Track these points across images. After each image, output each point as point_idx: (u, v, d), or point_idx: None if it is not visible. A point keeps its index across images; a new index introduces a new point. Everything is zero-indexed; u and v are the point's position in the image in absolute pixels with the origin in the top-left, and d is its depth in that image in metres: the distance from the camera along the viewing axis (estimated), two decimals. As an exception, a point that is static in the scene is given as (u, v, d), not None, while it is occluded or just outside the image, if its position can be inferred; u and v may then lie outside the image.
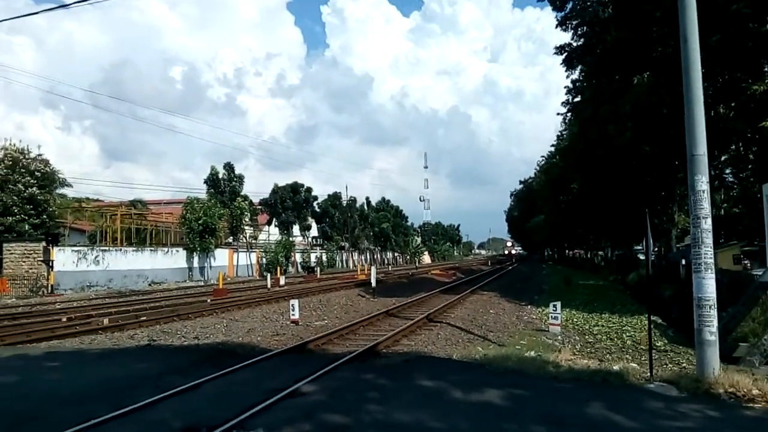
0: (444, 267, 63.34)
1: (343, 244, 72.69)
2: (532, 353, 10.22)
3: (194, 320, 16.32)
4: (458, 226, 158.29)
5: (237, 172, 52.27)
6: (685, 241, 41.38)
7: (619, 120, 21.06)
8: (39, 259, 30.28)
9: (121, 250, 36.61)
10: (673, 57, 15.90)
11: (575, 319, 16.87)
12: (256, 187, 79.88)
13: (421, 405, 6.32)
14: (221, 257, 46.12)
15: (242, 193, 51.91)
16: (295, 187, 63.25)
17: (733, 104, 18.12)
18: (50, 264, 30.13)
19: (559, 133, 50.67)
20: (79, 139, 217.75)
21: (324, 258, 64.56)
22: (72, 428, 5.50)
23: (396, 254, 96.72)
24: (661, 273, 26.19)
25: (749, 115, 17.23)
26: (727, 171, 27.25)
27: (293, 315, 15.64)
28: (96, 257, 33.65)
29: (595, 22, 21.89)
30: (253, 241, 54.53)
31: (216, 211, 43.06)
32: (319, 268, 53.07)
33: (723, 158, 25.09)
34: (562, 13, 24.09)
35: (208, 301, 21.98)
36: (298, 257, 59.43)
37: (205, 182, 51.13)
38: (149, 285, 36.32)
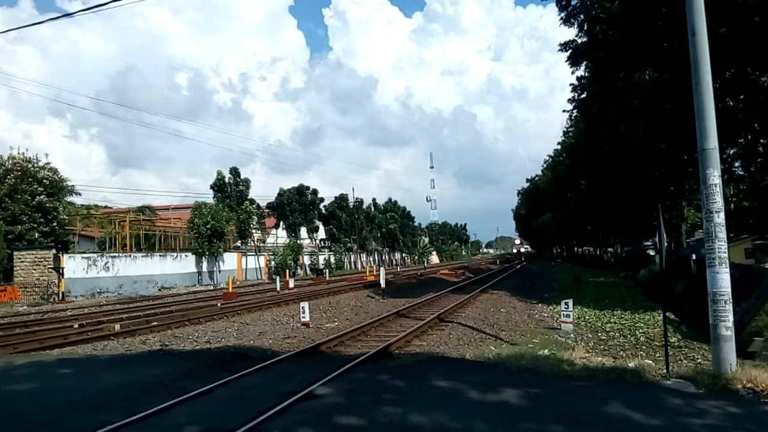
0: (452, 267, 63.20)
1: (350, 246, 72.68)
2: (546, 352, 10.15)
3: (205, 324, 16.34)
4: (465, 225, 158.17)
5: (243, 176, 52.64)
6: (696, 236, 41.18)
7: (627, 118, 20.92)
8: (49, 266, 30.46)
9: (130, 256, 36.75)
10: (680, 52, 15.81)
11: (587, 317, 16.81)
12: (264, 190, 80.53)
13: (436, 406, 6.27)
14: (230, 261, 46.23)
15: (249, 197, 52.07)
16: (300, 190, 63.29)
17: (742, 97, 17.95)
18: (60, 271, 30.30)
19: (565, 130, 50.52)
20: (87, 147, 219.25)
21: (332, 260, 64.57)
22: (88, 435, 5.50)
23: (404, 255, 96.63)
24: (672, 268, 26.05)
25: (759, 107, 17.10)
26: (737, 165, 27.04)
27: (304, 317, 15.63)
28: (106, 264, 33.80)
29: (601, 18, 21.75)
30: (262, 245, 54.60)
31: (224, 216, 43.18)
32: (327, 270, 53.08)
33: (732, 152, 24.91)
34: (566, 11, 23.98)
35: (218, 305, 22.01)
36: (306, 260, 59.50)
37: (212, 187, 51.33)
38: (159, 290, 36.45)
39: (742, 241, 26.44)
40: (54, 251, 31.22)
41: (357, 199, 75.80)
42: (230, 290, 26.85)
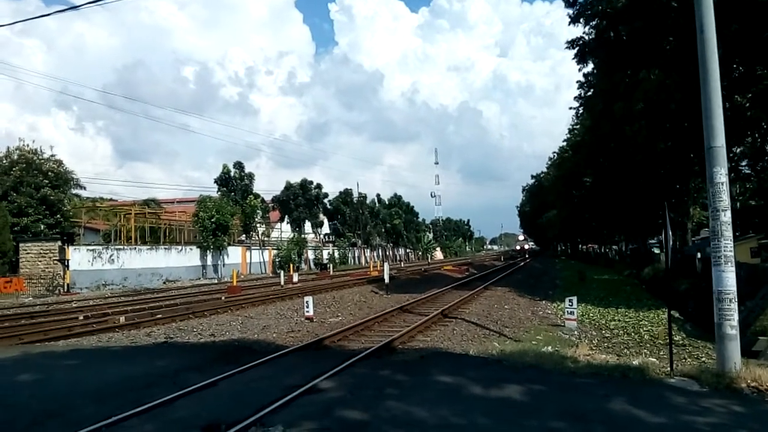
0: (456, 263, 63.23)
1: (355, 241, 72.73)
2: (549, 348, 10.15)
3: (209, 318, 16.40)
4: (468, 221, 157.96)
5: (248, 170, 52.63)
6: (701, 234, 41.01)
7: (632, 117, 20.86)
8: (55, 258, 30.62)
9: (135, 248, 36.90)
10: (688, 49, 15.73)
11: (591, 314, 16.80)
12: (269, 185, 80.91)
13: (440, 401, 6.29)
14: (234, 255, 46.35)
15: (254, 191, 52.13)
16: (304, 184, 63.35)
17: (749, 95, 17.87)
18: (66, 263, 30.44)
19: (571, 127, 50.36)
20: (92, 140, 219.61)
21: (336, 255, 64.66)
22: (93, 425, 5.53)
23: (408, 250, 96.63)
24: (676, 267, 25.96)
25: (767, 104, 17.03)
26: (743, 163, 26.91)
27: (308, 312, 15.67)
28: (111, 256, 33.93)
29: (608, 13, 21.64)
30: (266, 239, 54.72)
31: (228, 209, 43.27)
32: (331, 265, 53.17)
33: (738, 150, 24.79)
34: (574, 8, 23.86)
35: (223, 298, 22.09)
36: (310, 254, 59.61)
37: (216, 181, 51.42)
38: (164, 283, 36.59)
39: (748, 240, 26.26)
40: (59, 243, 31.38)
41: (361, 194, 75.87)
42: (234, 284, 26.93)
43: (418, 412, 5.84)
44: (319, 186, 65.51)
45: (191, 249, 41.98)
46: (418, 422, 5.55)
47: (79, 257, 31.77)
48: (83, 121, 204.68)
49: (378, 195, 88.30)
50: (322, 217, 68.48)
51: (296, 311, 17.21)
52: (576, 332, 13.49)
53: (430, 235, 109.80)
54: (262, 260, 51.47)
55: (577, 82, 28.06)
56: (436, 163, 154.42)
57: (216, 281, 38.62)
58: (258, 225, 53.07)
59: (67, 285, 29.96)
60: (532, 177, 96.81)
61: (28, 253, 31.16)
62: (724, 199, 7.34)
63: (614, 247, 74.48)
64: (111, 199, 55.17)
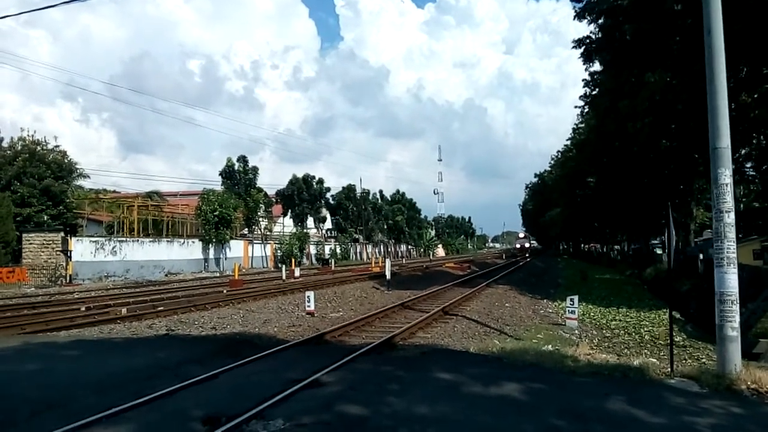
0: (458, 260, 63.21)
1: (357, 237, 72.78)
2: (550, 347, 10.16)
3: (211, 311, 16.43)
4: (469, 218, 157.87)
5: (252, 164, 52.63)
6: (704, 235, 40.96)
7: (637, 116, 20.82)
8: (57, 249, 30.69)
9: (138, 240, 36.98)
10: (694, 49, 15.66)
11: (592, 314, 16.80)
12: (273, 179, 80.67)
13: (440, 397, 6.30)
14: (236, 249, 46.43)
15: (257, 185, 52.16)
16: (306, 179, 63.37)
17: (756, 95, 17.81)
18: (68, 254, 30.51)
19: (575, 126, 50.26)
20: (97, 132, 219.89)
21: (338, 250, 64.70)
22: (94, 416, 5.56)
23: (410, 247, 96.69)
24: (679, 267, 25.95)
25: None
26: (748, 165, 26.84)
27: (309, 306, 15.69)
28: (113, 248, 34.02)
29: (614, 11, 21.57)
30: (268, 233, 54.78)
31: (231, 203, 43.32)
32: (333, 261, 53.20)
33: (743, 152, 24.72)
34: (581, 4, 23.78)
35: (224, 291, 22.12)
36: (312, 249, 59.65)
37: (220, 174, 51.45)
38: (166, 275, 36.68)
39: (750, 242, 26.28)
40: (62, 234, 31.43)
41: (364, 189, 75.89)
42: (236, 277, 26.97)
43: (418, 408, 5.86)
44: (321, 181, 65.56)
45: (193, 242, 42.06)
46: (418, 418, 5.56)
47: (82, 248, 31.85)
48: (88, 112, 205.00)
49: (381, 191, 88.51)
50: (324, 212, 68.53)
51: (297, 306, 17.24)
52: (577, 331, 13.49)
53: (432, 232, 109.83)
54: (263, 254, 51.56)
55: (583, 80, 28.05)
56: (440, 160, 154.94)
57: (218, 274, 38.69)
58: (261, 219, 53.12)
59: (70, 276, 30.05)
60: (536, 175, 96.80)
61: (30, 244, 31.23)
62: (728, 200, 7.33)
63: (616, 246, 74.44)
64: (114, 191, 55.30)
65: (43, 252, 31.02)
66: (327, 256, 58.42)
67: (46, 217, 34.51)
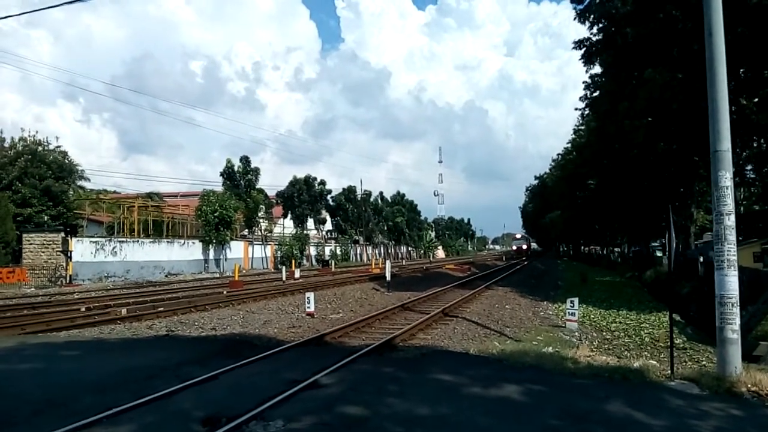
0: (458, 262, 63.22)
1: (357, 238, 72.76)
2: (550, 349, 10.16)
3: (211, 311, 16.43)
4: (468, 220, 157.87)
5: (253, 165, 52.55)
6: (704, 238, 40.93)
7: (636, 116, 20.84)
8: (58, 249, 30.69)
9: (138, 241, 36.98)
10: (694, 52, 15.69)
11: (592, 316, 16.80)
12: (273, 180, 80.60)
13: (439, 399, 6.30)
14: (236, 250, 46.44)
15: (258, 186, 52.17)
16: (307, 180, 63.36)
17: (756, 99, 17.82)
18: (69, 254, 30.50)
19: (576, 128, 50.28)
20: (98, 132, 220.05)
21: (338, 251, 64.69)
22: (94, 416, 5.55)
23: (410, 248, 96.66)
24: (679, 270, 25.95)
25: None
26: (748, 168, 26.85)
27: (309, 307, 15.69)
28: (113, 248, 34.03)
29: (615, 16, 21.62)
30: (268, 234, 54.79)
31: (232, 204, 43.33)
32: (333, 262, 53.19)
33: (744, 155, 24.73)
34: (581, 6, 23.83)
35: (224, 292, 22.12)
36: (312, 250, 59.66)
37: (221, 175, 51.46)
38: (166, 276, 36.69)
39: (751, 244, 26.21)
40: (62, 234, 31.43)
41: (365, 191, 75.86)
42: (236, 278, 26.96)
43: (418, 410, 5.86)
44: (323, 182, 65.55)
45: (194, 243, 42.08)
46: (418, 419, 5.56)
47: (82, 249, 31.85)
48: (89, 112, 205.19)
49: (381, 192, 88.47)
50: (324, 213, 68.51)
51: (297, 307, 17.24)
52: (577, 333, 13.50)
53: (432, 234, 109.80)
54: (264, 255, 51.56)
55: (584, 83, 28.07)
56: (440, 161, 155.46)
57: (218, 275, 38.70)
58: (261, 220, 53.14)
59: (70, 276, 30.04)
60: (536, 177, 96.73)
61: (31, 244, 31.25)
62: (729, 203, 7.34)
63: (616, 249, 74.44)
64: (115, 192, 55.32)
65: (43, 252, 31.03)
66: (327, 258, 58.41)
67: (46, 218, 34.53)
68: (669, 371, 7.78)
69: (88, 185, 45.22)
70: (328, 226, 71.70)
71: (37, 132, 37.84)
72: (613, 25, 21.91)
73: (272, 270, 46.87)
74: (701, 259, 24.93)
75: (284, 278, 30.69)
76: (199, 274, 39.90)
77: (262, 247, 51.66)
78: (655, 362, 9.34)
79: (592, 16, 23.54)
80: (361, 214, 73.19)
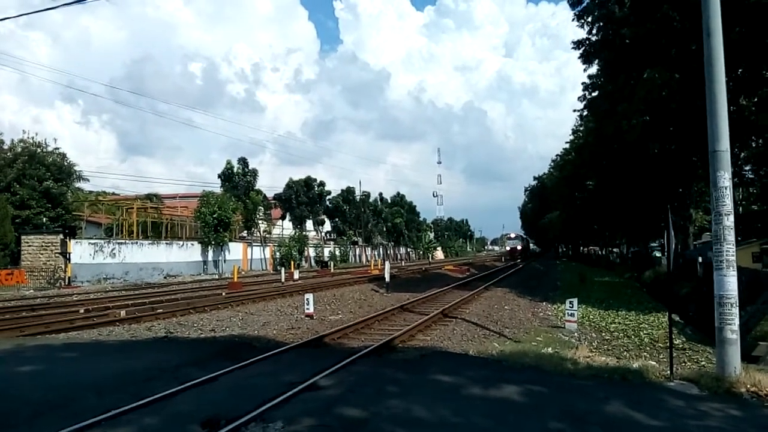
0: (457, 263, 63.23)
1: (356, 239, 72.73)
2: (549, 350, 10.16)
3: (210, 313, 16.42)
4: (466, 221, 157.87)
5: (252, 166, 52.56)
6: (703, 238, 40.97)
7: (633, 114, 20.87)
8: (56, 251, 30.64)
9: (136, 243, 36.94)
10: (692, 52, 15.71)
11: (591, 316, 16.79)
12: (272, 181, 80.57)
13: (439, 400, 6.29)
14: (235, 251, 46.41)
15: (256, 188, 52.16)
16: (308, 182, 63.35)
17: (755, 99, 17.84)
18: (67, 256, 30.46)
19: (575, 128, 50.31)
20: (97, 134, 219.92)
21: (337, 253, 64.68)
22: (94, 418, 5.55)
23: (409, 249, 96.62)
24: (678, 270, 25.96)
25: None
26: (747, 168, 26.88)
27: (308, 309, 15.67)
28: (112, 250, 33.98)
29: (612, 18, 21.67)
30: (267, 236, 54.77)
31: (230, 205, 43.32)
32: (332, 263, 53.17)
33: (743, 155, 24.76)
34: (579, 7, 23.88)
35: (223, 294, 22.09)
36: (311, 252, 59.63)
37: (220, 177, 51.42)
38: (164, 278, 36.64)
39: (750, 244, 26.24)
40: (61, 236, 31.38)
41: (364, 192, 75.85)
42: (235, 280, 26.97)
43: (417, 411, 5.85)
44: (322, 184, 65.52)
45: (192, 244, 42.04)
46: (418, 421, 5.56)
47: (81, 251, 31.80)
48: (88, 114, 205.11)
49: (380, 193, 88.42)
50: (323, 216, 68.45)
51: (296, 308, 17.23)
52: (576, 334, 13.49)
53: (432, 235, 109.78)
54: (262, 257, 51.54)
55: (582, 83, 28.13)
56: (439, 162, 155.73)
57: (217, 277, 38.66)
58: (260, 221, 53.12)
59: (68, 278, 29.99)
60: (535, 178, 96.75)
61: (29, 246, 31.20)
62: (727, 203, 7.34)
63: (615, 249, 74.49)
64: (113, 193, 55.28)
65: (41, 254, 30.99)
66: (326, 259, 58.38)
67: (45, 220, 34.48)
68: (668, 372, 7.79)
69: (86, 187, 45.24)
70: (327, 227, 71.67)
71: (36, 134, 37.62)
72: (611, 27, 21.95)
73: (271, 271, 46.84)
74: (700, 259, 24.93)
75: (283, 279, 30.67)
76: (198, 275, 39.86)
77: (261, 248, 51.64)
78: (654, 363, 9.34)
79: (590, 18, 23.62)
80: (359, 215, 73.15)
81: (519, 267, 52.64)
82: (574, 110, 35.14)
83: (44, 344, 10.95)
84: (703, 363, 10.73)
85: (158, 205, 48.93)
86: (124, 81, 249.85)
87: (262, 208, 52.59)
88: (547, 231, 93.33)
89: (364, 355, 9.17)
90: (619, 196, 36.39)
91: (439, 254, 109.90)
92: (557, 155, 66.58)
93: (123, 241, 36.15)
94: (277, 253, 51.89)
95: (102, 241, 34.20)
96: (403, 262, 72.18)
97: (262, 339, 11.86)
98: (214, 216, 41.60)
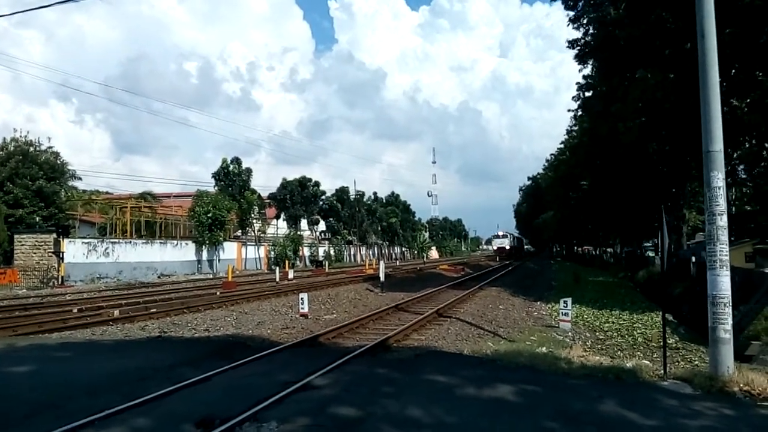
0: (452, 262, 63.30)
1: (350, 239, 72.69)
2: (544, 349, 10.19)
3: (204, 313, 16.38)
4: (461, 220, 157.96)
5: (246, 165, 52.42)
6: (696, 238, 41.16)
7: (628, 116, 20.93)
8: (49, 250, 30.48)
9: (130, 242, 36.81)
10: (686, 52, 15.77)
11: (585, 316, 16.84)
12: (267, 180, 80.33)
13: (433, 400, 6.29)
14: (230, 250, 46.31)
15: (251, 187, 52.05)
16: (302, 182, 63.23)
17: (748, 100, 17.92)
18: (60, 255, 30.32)
19: (569, 128, 50.47)
20: (90, 132, 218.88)
21: (332, 252, 64.61)
22: (87, 418, 5.52)
23: (404, 249, 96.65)
24: (671, 270, 26.04)
25: (765, 109, 17.08)
26: (740, 168, 26.98)
27: (302, 308, 15.65)
28: (106, 249, 33.85)
29: (606, 20, 21.73)
30: (262, 235, 54.67)
31: (225, 205, 43.22)
32: (327, 263, 53.13)
33: (736, 155, 24.85)
34: (574, 12, 23.98)
35: (218, 293, 22.03)
36: (306, 251, 59.55)
37: (214, 176, 51.28)
38: (158, 277, 36.52)
39: (743, 244, 26.38)
40: (54, 235, 31.21)
41: (358, 192, 75.78)
42: (229, 279, 26.89)
43: (412, 411, 5.85)
44: (317, 184, 65.40)
45: (187, 244, 41.92)
46: (412, 420, 5.56)
47: (74, 250, 31.66)
48: (82, 113, 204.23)
49: (375, 193, 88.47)
50: (317, 216, 68.35)
51: (291, 308, 17.21)
52: (570, 333, 13.53)
53: (426, 235, 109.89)
54: (257, 256, 51.44)
55: (577, 84, 28.19)
56: (434, 162, 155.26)
57: (211, 276, 38.56)
58: (254, 221, 53.02)
59: (62, 277, 29.86)
60: (529, 178, 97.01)
61: (22, 245, 31.03)
62: (721, 203, 7.37)
63: (609, 249, 74.73)
64: (107, 192, 55.00)
65: (35, 253, 30.81)
66: (321, 258, 58.32)
67: (38, 219, 34.28)
68: (662, 371, 7.82)
69: (80, 186, 45.00)
70: (322, 226, 71.55)
71: (28, 132, 37.37)
72: (605, 29, 22.00)
73: (266, 271, 46.78)
74: (693, 259, 25.04)
75: (278, 279, 30.64)
76: (192, 275, 39.74)
77: (256, 247, 51.55)
78: (648, 362, 9.39)
79: (585, 19, 23.70)
80: (354, 215, 73.10)
81: (513, 266, 52.71)
82: (569, 110, 35.31)
83: (37, 344, 10.90)
84: (696, 362, 10.78)
85: (152, 204, 48.75)
86: (119, 80, 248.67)
87: (256, 207, 52.49)
88: (542, 231, 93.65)
89: (359, 354, 9.16)
90: (613, 196, 36.50)
91: (434, 254, 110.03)
92: (552, 155, 66.83)
93: (117, 240, 36.02)
94: (272, 253, 51.78)
95: (95, 241, 34.07)
96: (397, 262, 72.13)
97: (257, 338, 11.84)
98: (209, 215, 41.51)
